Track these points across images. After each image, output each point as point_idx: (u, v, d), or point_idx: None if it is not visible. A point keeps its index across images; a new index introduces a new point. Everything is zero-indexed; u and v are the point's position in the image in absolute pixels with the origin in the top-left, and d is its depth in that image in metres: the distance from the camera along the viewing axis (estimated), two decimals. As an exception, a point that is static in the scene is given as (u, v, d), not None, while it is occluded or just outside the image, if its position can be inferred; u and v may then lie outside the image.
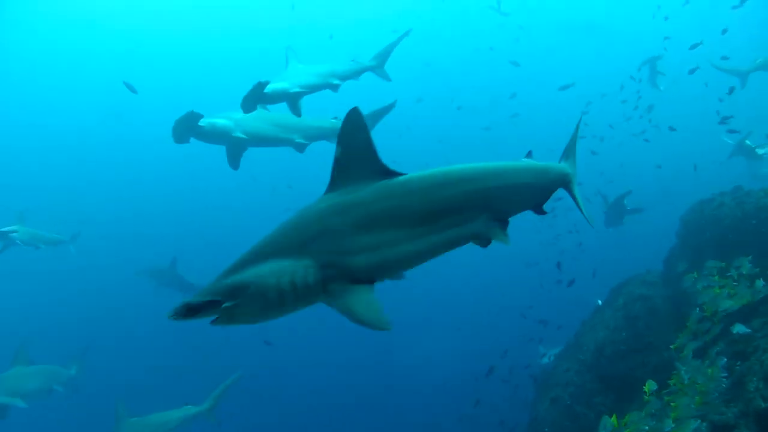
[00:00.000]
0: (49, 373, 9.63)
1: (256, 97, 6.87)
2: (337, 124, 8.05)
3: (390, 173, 2.94)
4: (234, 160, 7.50)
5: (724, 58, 13.79)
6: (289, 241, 2.69)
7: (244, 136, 7.27)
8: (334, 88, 7.74)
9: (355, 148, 2.88)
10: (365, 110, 8.26)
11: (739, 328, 5.52)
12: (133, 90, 8.89)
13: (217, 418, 9.58)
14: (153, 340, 15.64)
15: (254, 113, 7.10)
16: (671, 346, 6.52)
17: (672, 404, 5.19)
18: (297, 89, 7.22)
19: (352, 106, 2.89)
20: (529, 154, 3.78)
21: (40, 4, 26.05)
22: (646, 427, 5.34)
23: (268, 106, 7.43)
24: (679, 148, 21.22)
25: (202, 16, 28.88)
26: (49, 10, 26.55)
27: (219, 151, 7.56)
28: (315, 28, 27.57)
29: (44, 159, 28.12)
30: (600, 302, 10.20)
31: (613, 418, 5.69)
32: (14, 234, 10.50)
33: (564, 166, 3.86)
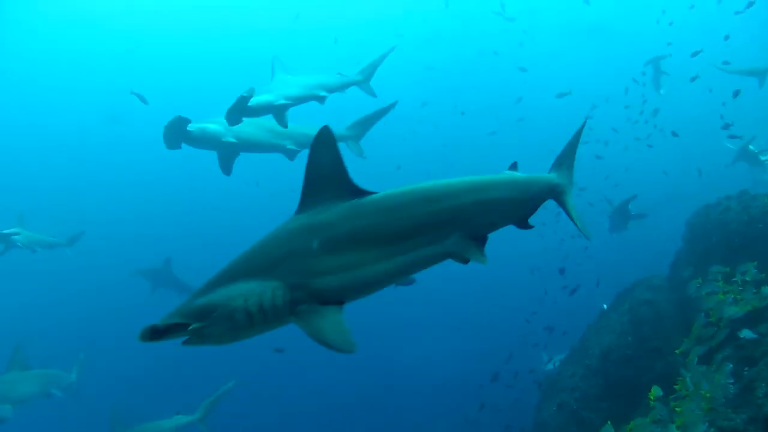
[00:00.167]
0: (47, 377, 9.45)
1: (241, 110, 6.78)
2: None
3: (360, 192, 2.91)
4: (226, 166, 7.38)
5: (726, 63, 13.77)
6: (258, 263, 2.70)
7: (235, 141, 7.16)
8: (321, 99, 7.61)
9: (324, 168, 2.85)
10: (367, 112, 8.32)
11: (746, 333, 5.48)
12: (144, 100, 8.83)
13: (209, 427, 9.43)
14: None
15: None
16: (676, 351, 6.48)
17: (677, 409, 5.16)
18: (282, 101, 7.08)
19: (323, 125, 2.88)
20: (513, 166, 3.64)
21: (40, 4, 26.06)
22: (651, 434, 5.30)
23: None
24: (686, 152, 21.17)
25: (203, 16, 28.85)
26: (49, 10, 26.54)
27: (214, 153, 7.48)
28: (318, 30, 27.69)
29: (43, 159, 28.10)
30: (605, 307, 10.16)
31: (608, 425, 5.64)
32: (15, 236, 10.40)
33: (552, 177, 3.66)
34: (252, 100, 6.74)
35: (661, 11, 19.93)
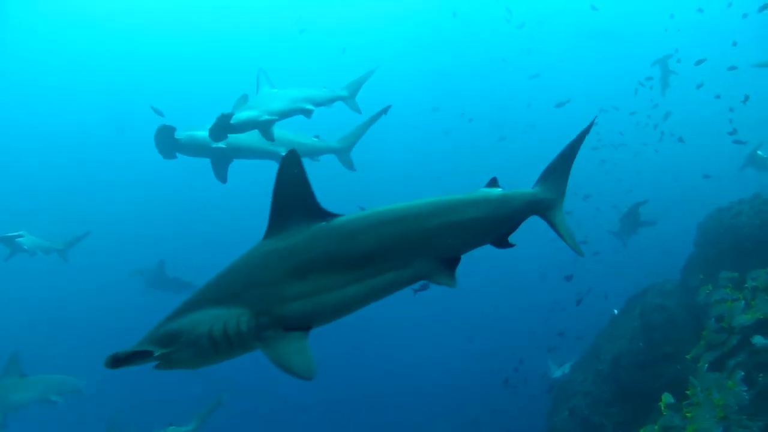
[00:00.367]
0: (46, 383, 9.26)
1: (223, 128, 6.66)
2: (317, 143, 8.12)
3: (328, 216, 2.90)
4: (220, 173, 7.25)
5: (732, 67, 13.73)
6: (225, 289, 2.73)
7: (224, 147, 7.06)
8: (307, 113, 7.44)
9: (291, 193, 2.86)
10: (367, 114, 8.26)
11: (758, 340, 5.43)
12: (160, 114, 8.88)
13: None
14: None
15: None
16: (686, 357, 6.44)
17: (688, 415, 5.13)
18: (266, 117, 6.92)
19: (289, 149, 2.88)
20: (492, 182, 3.42)
21: (40, 4, 26.00)
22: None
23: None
24: (697, 155, 21.05)
25: (204, 16, 28.75)
26: (49, 10, 26.49)
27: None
28: (326, 38, 27.78)
29: (42, 160, 28.16)
30: (617, 312, 10.12)
31: None
32: (20, 239, 10.20)
33: (534, 192, 3.44)
34: (235, 116, 6.62)
35: (670, 15, 19.84)
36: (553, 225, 3.47)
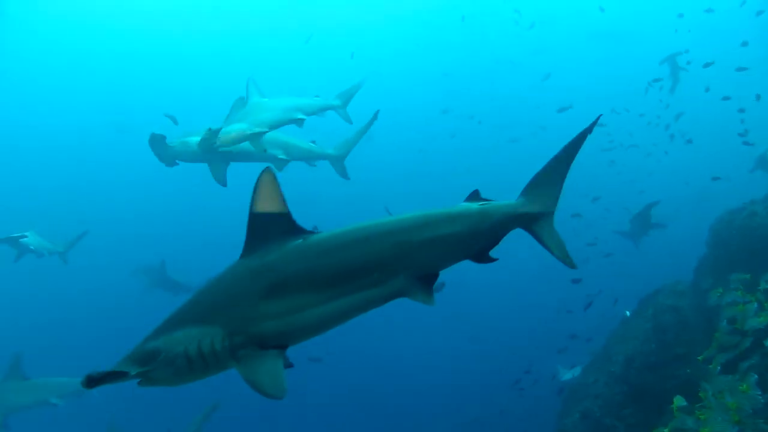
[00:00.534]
0: (46, 386, 9.09)
1: (212, 143, 6.59)
2: (314, 148, 8.08)
3: (304, 234, 2.90)
4: (219, 177, 7.11)
5: (741, 68, 13.65)
6: (201, 309, 2.76)
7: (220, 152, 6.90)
8: (298, 122, 7.34)
9: (268, 211, 2.86)
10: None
11: (771, 342, 5.40)
12: (174, 121, 8.93)
13: None
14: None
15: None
16: (698, 358, 6.40)
17: (701, 417, 5.10)
18: (255, 130, 6.81)
19: (265, 167, 2.88)
20: (474, 195, 3.29)
21: (41, 3, 26.16)
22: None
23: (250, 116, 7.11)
24: (708, 156, 20.91)
25: (205, 17, 28.86)
26: (50, 9, 26.64)
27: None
28: (334, 43, 27.82)
29: (43, 159, 28.30)
30: (628, 313, 10.07)
31: None
32: (27, 240, 10.07)
33: (516, 205, 3.27)
34: (223, 130, 6.54)
35: (678, 15, 19.72)
36: (539, 238, 3.29)
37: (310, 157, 8.09)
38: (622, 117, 17.83)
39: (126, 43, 29.09)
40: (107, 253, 21.42)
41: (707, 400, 5.36)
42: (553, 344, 13.73)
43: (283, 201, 2.88)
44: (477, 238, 3.12)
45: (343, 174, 8.41)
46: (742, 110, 13.91)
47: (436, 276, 3.00)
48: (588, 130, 3.30)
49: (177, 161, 6.91)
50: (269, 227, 2.86)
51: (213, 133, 6.50)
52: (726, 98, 14.32)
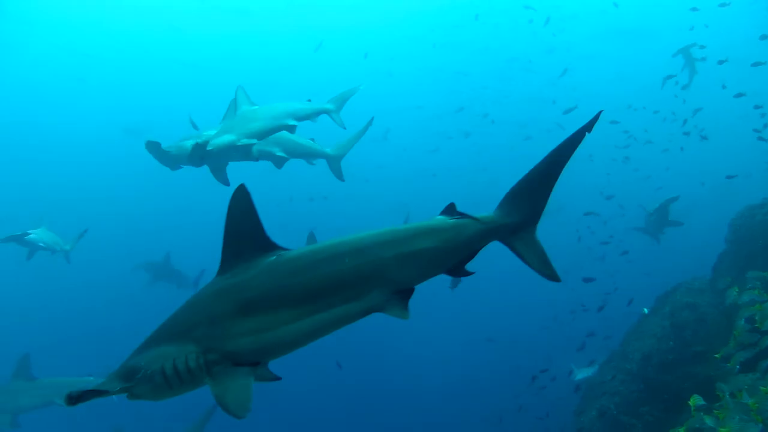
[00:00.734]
0: (53, 386, 9.03)
1: (201, 156, 6.51)
2: (314, 145, 8.09)
3: (279, 251, 2.93)
4: (221, 177, 7.07)
5: (757, 63, 13.44)
6: (178, 327, 2.82)
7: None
8: (290, 129, 7.16)
9: (242, 229, 2.88)
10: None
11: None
12: (195, 127, 9.03)
13: None
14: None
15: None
16: (716, 355, 6.34)
17: (720, 416, 5.06)
18: (244, 141, 6.66)
19: (239, 184, 2.90)
20: (449, 208, 3.21)
21: (41, 3, 26.31)
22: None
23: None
24: (728, 151, 20.64)
25: (207, 17, 28.92)
26: (50, 9, 26.80)
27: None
28: (347, 43, 27.85)
29: (43, 157, 28.65)
30: (646, 311, 10.00)
31: None
32: (33, 236, 10.00)
33: (492, 218, 3.18)
34: (211, 143, 6.44)
35: (692, 9, 19.47)
36: (516, 252, 3.21)
37: (309, 155, 8.11)
38: (638, 114, 17.68)
39: (126, 44, 29.30)
40: (108, 250, 21.64)
41: (724, 400, 5.31)
42: (572, 342, 13.69)
43: (257, 218, 2.90)
44: (452, 252, 3.09)
45: (339, 174, 8.43)
46: (759, 106, 13.72)
47: (411, 291, 2.97)
48: (576, 140, 3.13)
49: (180, 165, 6.92)
50: (243, 245, 2.90)
51: (200, 147, 6.44)
52: (739, 95, 14.14)
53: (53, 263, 11.93)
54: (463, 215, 3.16)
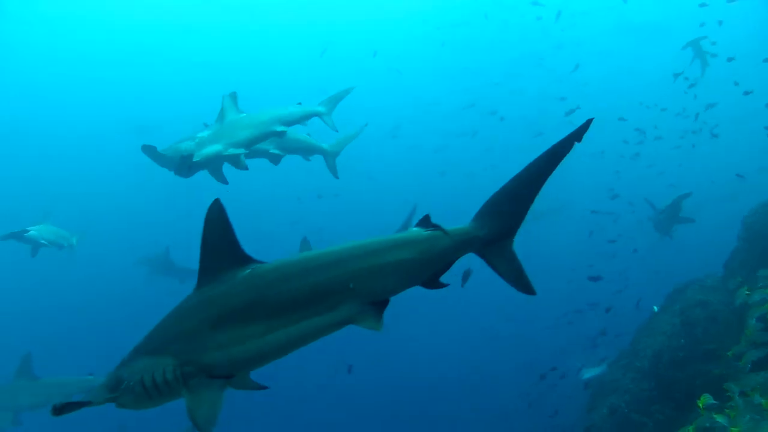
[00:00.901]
0: (55, 385, 9.03)
1: (188, 167, 6.45)
2: (310, 140, 8.14)
3: (254, 264, 2.97)
4: (219, 177, 7.01)
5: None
6: (158, 340, 2.90)
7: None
8: (279, 135, 7.07)
9: (218, 243, 2.93)
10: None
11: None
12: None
13: None
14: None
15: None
16: (728, 353, 6.30)
17: (731, 414, 5.04)
18: (231, 151, 6.59)
19: (214, 199, 2.93)
20: (424, 220, 3.19)
21: (41, 4, 26.47)
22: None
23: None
24: (742, 148, 20.46)
25: (208, 17, 28.96)
26: (51, 8, 26.97)
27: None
28: (355, 41, 27.79)
29: (45, 154, 28.77)
30: (656, 309, 9.95)
31: None
32: (29, 233, 9.89)
33: (467, 230, 3.13)
34: (197, 154, 6.37)
35: (700, 5, 19.30)
36: (490, 264, 3.18)
37: (305, 151, 8.14)
38: (649, 110, 17.54)
39: (126, 44, 29.39)
40: (110, 246, 21.67)
41: (734, 399, 5.28)
42: (582, 340, 13.66)
43: (232, 232, 2.94)
44: (427, 264, 3.08)
45: (334, 171, 8.46)
46: None
47: (386, 302, 2.97)
48: (563, 150, 3.04)
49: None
50: (219, 259, 2.95)
51: (186, 159, 6.38)
52: (747, 93, 14.00)
53: (54, 260, 11.97)
54: (437, 227, 3.14)
